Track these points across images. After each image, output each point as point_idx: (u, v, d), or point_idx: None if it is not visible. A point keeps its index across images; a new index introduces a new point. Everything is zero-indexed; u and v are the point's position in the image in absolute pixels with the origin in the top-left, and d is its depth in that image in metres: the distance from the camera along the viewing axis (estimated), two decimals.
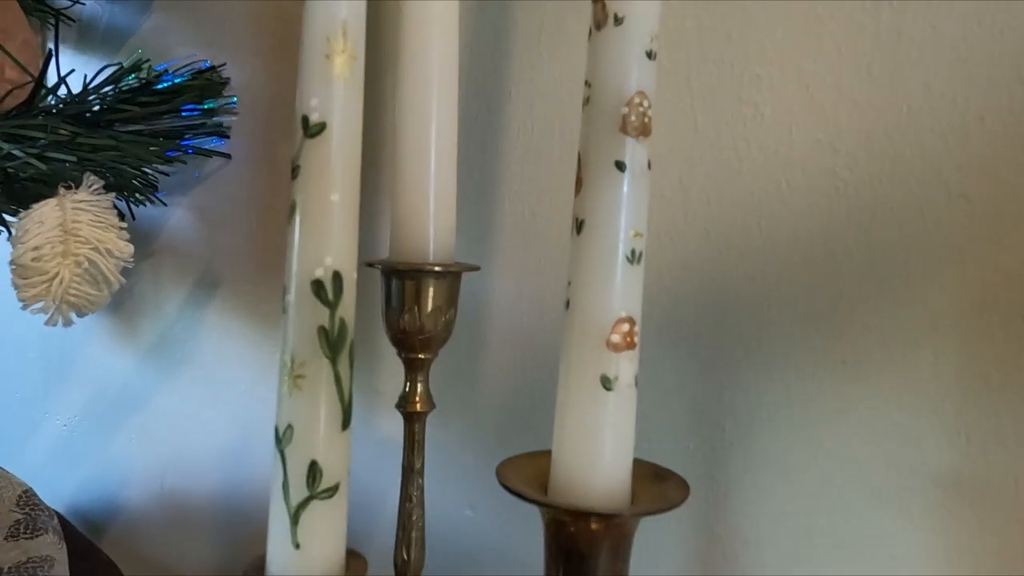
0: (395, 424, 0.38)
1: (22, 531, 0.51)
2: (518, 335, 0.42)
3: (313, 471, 0.23)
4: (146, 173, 0.51)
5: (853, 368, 0.34)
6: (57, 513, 0.54)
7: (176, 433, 0.58)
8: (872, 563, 0.34)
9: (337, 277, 0.23)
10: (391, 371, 0.46)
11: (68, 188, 0.40)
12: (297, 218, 0.23)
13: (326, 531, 0.24)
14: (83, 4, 0.54)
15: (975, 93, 0.31)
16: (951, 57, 0.32)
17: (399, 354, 0.34)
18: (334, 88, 0.23)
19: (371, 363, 0.48)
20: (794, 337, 0.35)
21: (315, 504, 0.23)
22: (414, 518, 0.34)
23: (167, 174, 0.54)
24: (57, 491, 0.56)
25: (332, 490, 0.24)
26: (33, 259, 0.39)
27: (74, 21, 0.53)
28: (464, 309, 0.43)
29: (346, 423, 0.24)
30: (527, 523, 0.38)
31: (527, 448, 0.29)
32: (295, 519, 0.23)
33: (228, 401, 0.55)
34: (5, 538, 0.50)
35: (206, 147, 0.52)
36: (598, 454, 0.25)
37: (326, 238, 0.23)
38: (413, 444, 0.34)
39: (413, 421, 0.34)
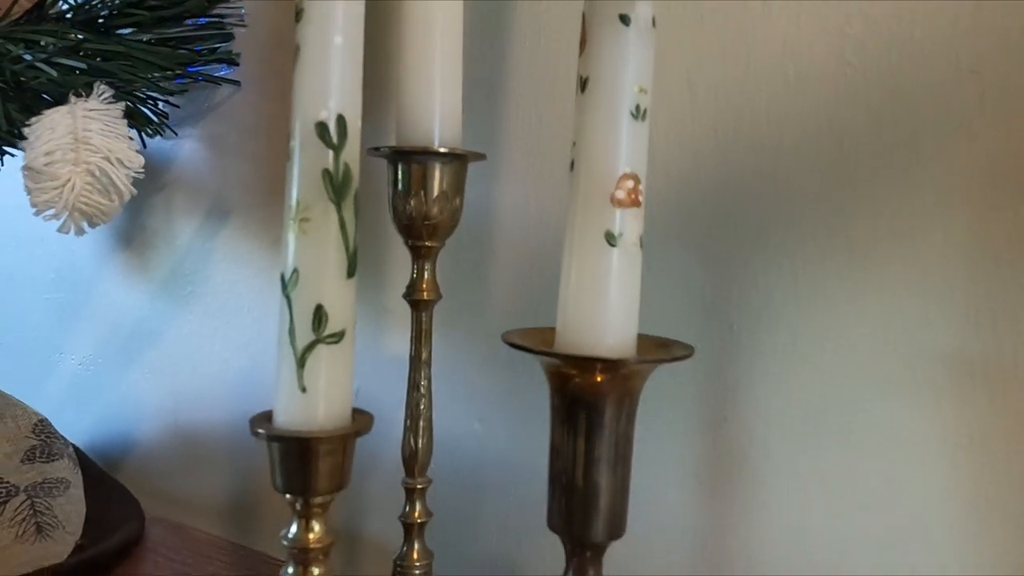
0: (404, 342, 0.39)
1: (38, 455, 0.52)
2: (526, 244, 0.42)
3: (319, 315, 0.24)
4: (157, 101, 0.51)
5: (861, 254, 0.34)
6: (72, 445, 0.55)
7: (188, 366, 0.59)
8: (879, 449, 0.34)
9: (341, 121, 0.23)
10: (399, 288, 0.46)
11: (79, 96, 0.40)
12: (301, 61, 0.23)
13: (332, 376, 0.24)
14: None
15: None
16: None
17: (406, 242, 0.34)
18: None
19: (380, 281, 0.48)
20: (802, 227, 0.35)
21: (321, 348, 0.24)
22: (421, 407, 0.35)
23: (177, 105, 0.54)
24: (73, 429, 0.56)
25: (338, 336, 0.24)
26: (45, 164, 0.39)
27: None
28: (471, 218, 0.43)
29: (351, 271, 0.24)
30: (534, 434, 0.38)
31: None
32: (301, 362, 0.24)
33: (239, 330, 0.55)
34: (21, 461, 0.51)
35: (216, 75, 0.52)
36: (603, 310, 0.25)
37: (330, 81, 0.23)
38: (420, 334, 0.34)
39: (420, 309, 0.34)
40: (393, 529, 0.39)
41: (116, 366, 0.63)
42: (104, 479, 0.56)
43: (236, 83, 0.53)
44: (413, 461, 0.35)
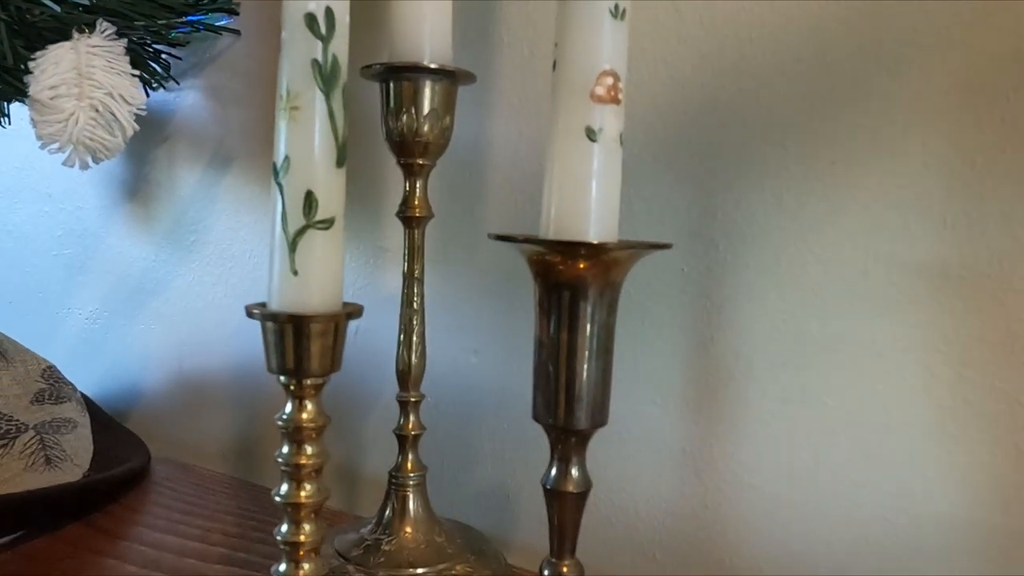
0: (400, 281, 0.39)
1: (47, 398, 0.54)
2: (518, 179, 0.43)
3: (309, 200, 0.25)
4: (160, 52, 0.52)
5: (843, 169, 0.35)
6: (80, 392, 0.56)
7: (191, 314, 0.60)
8: (860, 361, 0.35)
9: (329, 12, 0.24)
10: (394, 229, 0.47)
11: (82, 32, 0.42)
12: None
13: (323, 260, 0.25)
14: None
15: None
16: None
17: (398, 161, 0.35)
18: None
19: (376, 224, 0.49)
20: (785, 144, 0.36)
21: (312, 233, 0.25)
22: (415, 323, 0.36)
23: (179, 57, 0.55)
24: (82, 380, 0.58)
25: (328, 222, 0.25)
26: (51, 97, 0.41)
27: None
28: (465, 156, 0.44)
29: (341, 160, 0.25)
30: (524, 363, 0.39)
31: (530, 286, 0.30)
32: (292, 246, 0.25)
33: (240, 277, 0.57)
34: (31, 402, 0.53)
35: (216, 24, 0.53)
36: (585, 202, 0.26)
37: None
38: (413, 250, 0.35)
39: (412, 226, 0.35)
40: (381, 457, 0.40)
41: (123, 318, 0.64)
42: (111, 425, 0.58)
43: (236, 32, 0.54)
44: (407, 375, 0.36)
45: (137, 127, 0.43)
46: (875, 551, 0.35)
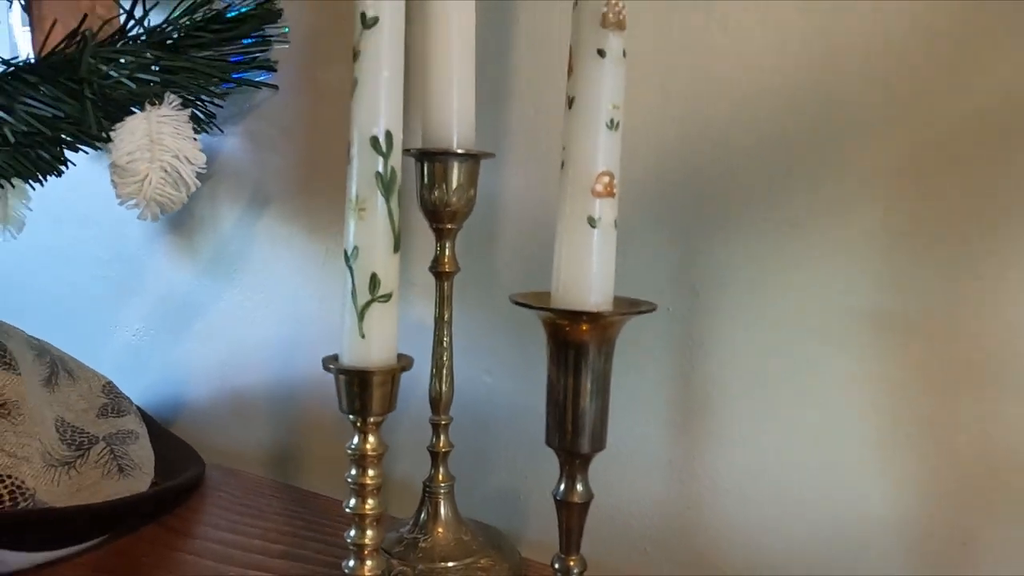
0: (424, 309, 0.46)
1: (110, 411, 0.61)
2: (526, 224, 0.50)
3: (374, 281, 0.32)
4: (206, 103, 0.59)
5: (801, 230, 0.42)
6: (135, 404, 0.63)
7: (233, 334, 0.67)
8: (818, 390, 0.42)
9: (389, 135, 0.31)
10: (422, 264, 0.54)
11: (153, 104, 0.48)
12: (358, 91, 0.31)
13: (383, 327, 0.32)
14: None
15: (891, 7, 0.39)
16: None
17: (431, 225, 0.42)
18: None
19: (406, 263, 0.56)
20: (754, 208, 0.43)
21: (375, 305, 0.32)
22: (444, 359, 0.43)
23: (221, 106, 0.62)
24: (130, 392, 0.65)
25: (387, 296, 0.32)
26: (127, 162, 0.48)
27: None
28: (481, 202, 0.51)
29: (397, 247, 0.32)
30: (533, 384, 0.46)
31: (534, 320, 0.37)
32: (360, 316, 0.32)
33: (278, 302, 0.64)
34: (96, 415, 0.60)
35: (256, 80, 0.60)
36: (587, 276, 0.33)
37: (379, 106, 0.31)
38: (443, 299, 0.42)
39: (443, 280, 0.42)
40: (419, 469, 0.47)
41: (167, 336, 0.71)
42: (163, 433, 0.65)
43: (274, 87, 0.60)
44: (438, 401, 0.43)
45: (199, 183, 0.50)
46: (827, 544, 0.43)
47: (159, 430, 0.64)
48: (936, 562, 0.40)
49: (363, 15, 0.31)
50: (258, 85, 0.60)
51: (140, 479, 0.54)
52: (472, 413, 0.52)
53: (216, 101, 0.59)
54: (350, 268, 0.32)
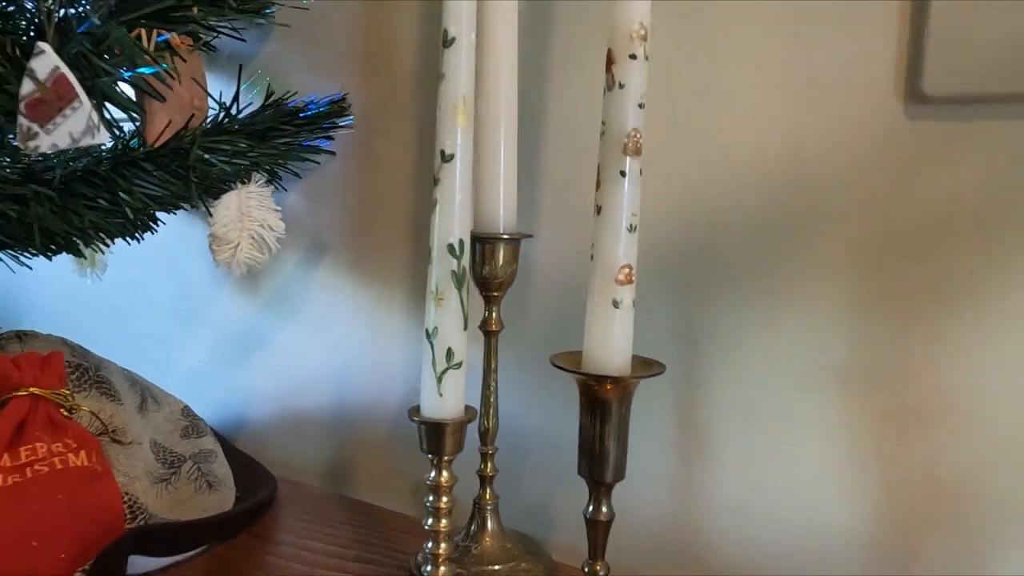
0: (476, 356, 0.55)
1: (191, 433, 0.70)
2: (555, 284, 0.60)
3: (449, 354, 0.41)
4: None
5: (781, 301, 0.51)
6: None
7: (290, 365, 0.77)
8: (792, 425, 0.52)
9: (461, 243, 0.41)
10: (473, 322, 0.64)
11: (243, 183, 0.58)
12: (439, 208, 0.41)
13: (455, 388, 0.42)
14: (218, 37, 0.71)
15: (852, 117, 0.48)
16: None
17: (481, 293, 0.51)
18: (459, 133, 0.40)
19: None
20: (743, 282, 0.52)
21: (450, 372, 0.41)
22: (492, 400, 0.52)
23: (284, 166, 0.71)
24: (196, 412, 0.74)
25: (459, 364, 0.42)
26: (223, 232, 0.57)
27: (215, 50, 0.70)
28: (520, 265, 0.60)
29: (466, 326, 0.42)
30: (558, 419, 0.56)
31: (557, 349, 0.47)
32: (439, 380, 0.41)
33: (332, 339, 0.73)
34: (180, 437, 0.69)
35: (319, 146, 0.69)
36: (610, 346, 0.43)
37: (455, 221, 0.41)
38: (491, 351, 0.52)
39: (490, 337, 0.52)
40: (466, 488, 0.56)
41: (230, 363, 0.81)
42: (233, 450, 0.74)
43: (332, 153, 0.70)
44: (487, 434, 0.53)
45: (279, 246, 0.60)
46: (801, 552, 0.52)
47: (230, 448, 0.74)
48: (887, 567, 0.50)
49: (442, 152, 0.40)
50: (319, 150, 0.69)
51: (226, 493, 0.64)
52: (507, 438, 0.62)
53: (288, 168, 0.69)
54: (431, 343, 0.42)
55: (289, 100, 0.58)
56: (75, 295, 0.86)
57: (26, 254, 0.61)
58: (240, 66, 0.62)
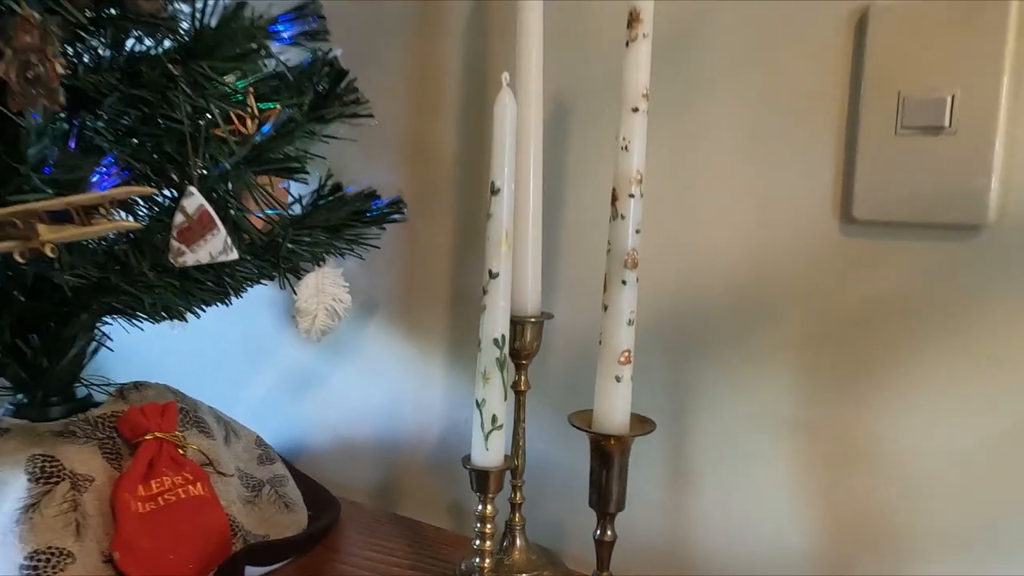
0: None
1: (264, 460, 0.84)
2: (572, 349, 0.74)
3: (494, 419, 0.55)
4: None
5: (747, 368, 0.65)
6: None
7: (344, 401, 0.91)
8: (760, 464, 0.66)
9: (504, 337, 0.55)
10: None
11: (319, 265, 0.72)
12: (487, 312, 0.55)
13: (498, 444, 0.56)
14: None
15: (800, 230, 0.62)
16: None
17: (513, 360, 0.66)
18: (502, 257, 0.54)
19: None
20: (719, 353, 0.67)
21: (494, 432, 0.55)
22: (521, 444, 0.67)
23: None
24: None
25: (501, 426, 0.56)
26: (304, 305, 0.71)
27: None
28: (544, 339, 0.75)
29: (506, 398, 0.56)
30: (572, 454, 0.70)
31: (575, 408, 0.61)
32: (486, 438, 0.55)
33: (382, 382, 0.88)
34: (257, 464, 0.84)
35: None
36: (614, 411, 0.57)
37: (498, 322, 0.55)
38: (520, 407, 0.66)
39: (520, 395, 0.66)
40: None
41: (291, 398, 0.95)
42: (300, 474, 0.89)
43: (383, 229, 0.84)
44: (516, 471, 0.67)
45: (347, 315, 0.74)
46: (766, 563, 0.67)
47: (296, 472, 0.88)
48: (835, 570, 0.64)
49: (490, 271, 0.55)
50: (378, 236, 0.83)
51: (301, 513, 0.78)
52: (534, 474, 0.76)
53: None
54: (480, 410, 0.56)
55: (350, 189, 0.72)
56: (159, 341, 1.01)
57: (138, 319, 0.75)
58: (320, 172, 0.76)
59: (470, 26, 0.78)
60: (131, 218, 0.62)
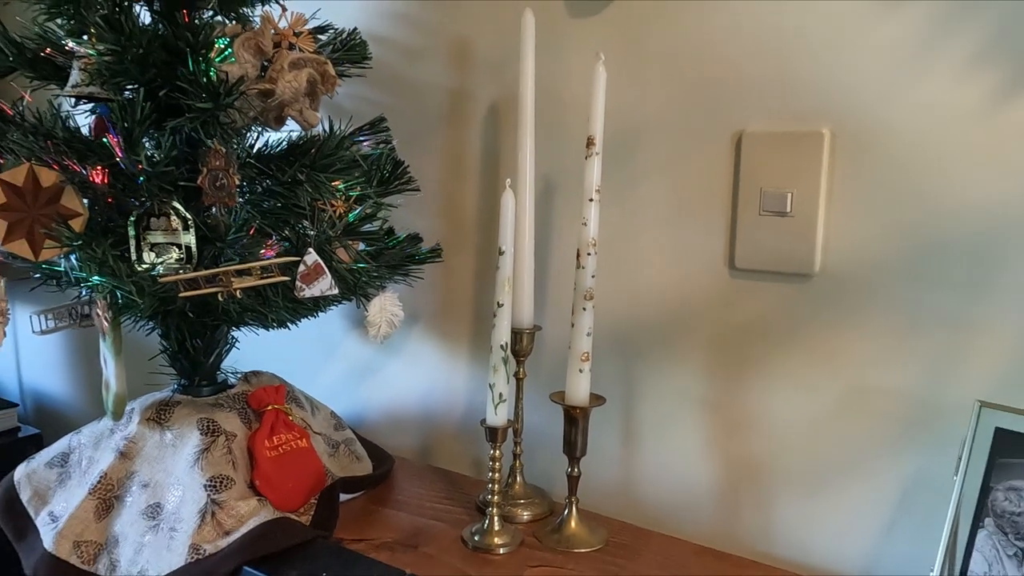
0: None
1: (338, 427, 1.17)
2: (554, 351, 1.06)
3: (500, 396, 0.88)
4: None
5: (671, 364, 0.97)
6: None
7: (395, 385, 1.24)
8: (677, 432, 0.98)
9: (507, 343, 0.87)
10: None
11: (382, 289, 1.05)
12: (496, 327, 0.87)
13: (504, 412, 0.88)
14: None
15: (703, 272, 0.94)
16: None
17: (515, 357, 0.98)
18: (507, 294, 0.86)
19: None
20: (651, 354, 0.98)
21: (501, 404, 0.88)
22: (520, 414, 0.99)
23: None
24: None
25: (505, 401, 0.88)
26: (373, 319, 1.04)
27: None
28: (536, 343, 1.07)
29: (509, 382, 0.88)
30: (552, 419, 1.02)
31: (555, 390, 0.93)
32: (496, 408, 0.88)
33: (422, 371, 1.20)
34: (333, 430, 1.17)
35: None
36: (578, 391, 0.89)
37: (503, 334, 0.87)
38: (519, 388, 0.99)
39: (519, 381, 0.99)
40: (505, 460, 1.03)
41: (353, 383, 1.28)
42: (362, 439, 1.22)
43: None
44: (517, 432, 0.99)
45: (401, 325, 1.07)
46: (682, 496, 0.99)
47: (360, 437, 1.22)
48: (722, 506, 0.96)
49: (498, 302, 0.87)
50: (425, 261, 1.16)
51: (367, 463, 1.11)
52: (529, 435, 1.09)
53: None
54: (491, 391, 0.88)
55: (401, 235, 1.05)
56: (263, 341, 1.34)
57: (258, 328, 1.08)
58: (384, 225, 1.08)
59: (486, 119, 1.10)
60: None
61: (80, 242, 0.75)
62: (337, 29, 1.04)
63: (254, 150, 0.92)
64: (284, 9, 0.91)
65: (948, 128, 0.77)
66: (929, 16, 0.77)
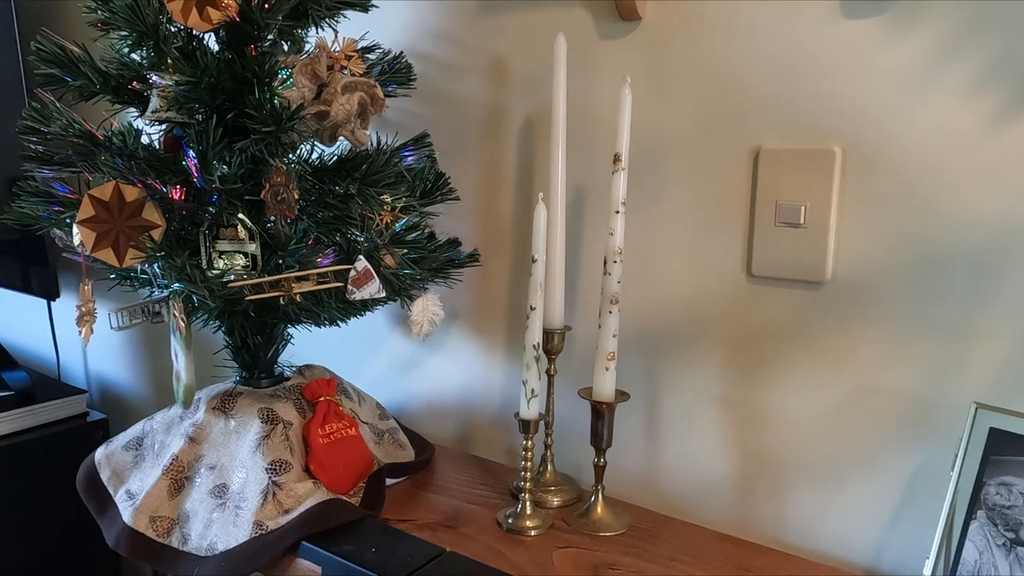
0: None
1: (383, 417, 1.27)
2: (582, 350, 1.14)
3: (533, 391, 0.96)
4: None
5: (693, 363, 1.04)
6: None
7: (435, 379, 1.33)
8: (699, 426, 1.05)
9: (539, 343, 0.95)
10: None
11: (425, 291, 1.14)
12: (529, 327, 0.95)
13: (536, 406, 0.96)
14: None
15: (723, 279, 1.01)
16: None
17: (546, 355, 1.06)
18: (540, 297, 0.94)
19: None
20: (674, 354, 1.06)
21: (533, 399, 0.96)
22: (551, 407, 1.07)
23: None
24: None
25: (537, 395, 0.96)
26: (416, 318, 1.13)
27: None
28: (566, 341, 1.15)
29: (540, 379, 0.96)
30: (581, 412, 1.10)
31: (583, 386, 1.00)
32: (528, 403, 0.96)
33: (462, 365, 1.29)
34: (379, 419, 1.26)
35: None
36: (604, 387, 0.97)
37: (535, 334, 0.95)
38: (551, 384, 1.07)
39: (551, 377, 1.06)
40: (538, 451, 1.11)
41: (396, 376, 1.38)
42: (406, 428, 1.31)
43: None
44: (548, 425, 1.07)
45: (441, 324, 1.15)
46: (702, 485, 1.06)
47: (403, 426, 1.31)
48: (739, 493, 1.03)
49: (531, 306, 0.95)
50: (464, 264, 1.24)
51: (410, 451, 1.21)
52: (560, 427, 1.17)
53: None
54: (524, 386, 0.96)
55: (441, 239, 1.13)
56: (313, 337, 1.44)
57: (316, 326, 1.18)
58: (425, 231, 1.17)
59: (521, 132, 1.18)
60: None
61: (163, 252, 0.84)
62: (384, 49, 1.12)
63: (308, 164, 1.01)
64: (336, 34, 1.00)
65: (952, 147, 0.83)
66: (935, 41, 0.83)
